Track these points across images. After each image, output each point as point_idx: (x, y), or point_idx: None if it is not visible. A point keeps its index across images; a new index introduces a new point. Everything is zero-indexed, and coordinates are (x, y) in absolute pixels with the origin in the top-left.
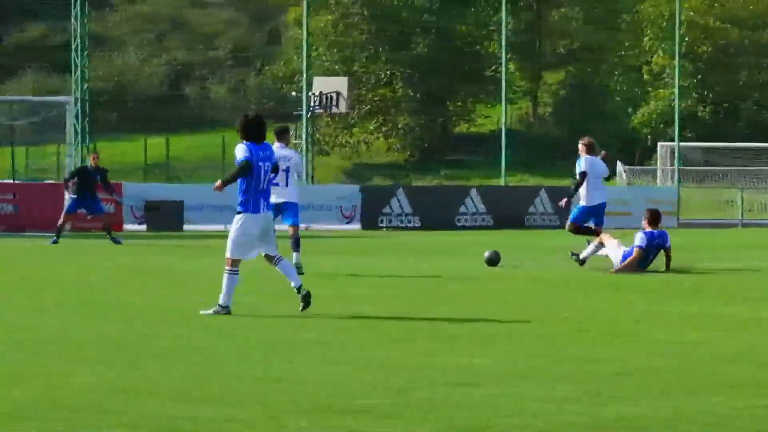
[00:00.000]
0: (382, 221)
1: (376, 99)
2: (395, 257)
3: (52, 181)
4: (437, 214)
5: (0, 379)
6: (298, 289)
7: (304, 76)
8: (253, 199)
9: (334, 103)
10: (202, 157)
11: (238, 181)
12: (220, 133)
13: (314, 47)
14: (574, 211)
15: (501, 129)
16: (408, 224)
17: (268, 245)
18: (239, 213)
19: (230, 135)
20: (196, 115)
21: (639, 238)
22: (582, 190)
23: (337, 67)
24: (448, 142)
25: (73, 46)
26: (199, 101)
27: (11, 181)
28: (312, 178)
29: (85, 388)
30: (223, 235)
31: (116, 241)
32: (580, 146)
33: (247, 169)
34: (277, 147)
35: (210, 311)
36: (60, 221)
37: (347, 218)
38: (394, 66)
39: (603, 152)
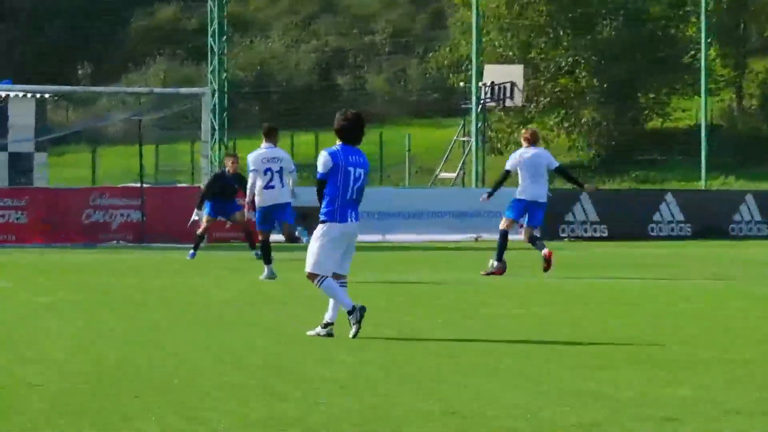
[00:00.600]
0: (563, 230)
1: (556, 90)
2: (580, 271)
3: (185, 185)
4: (627, 222)
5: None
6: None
7: (474, 64)
8: (340, 209)
9: (507, 94)
10: None
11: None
12: (377, 128)
13: (485, 31)
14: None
15: (700, 124)
16: (593, 234)
17: (343, 261)
18: (322, 222)
19: (389, 131)
20: (349, 108)
21: None
22: (522, 184)
23: (511, 53)
24: (639, 139)
25: (210, 31)
26: (354, 93)
27: (138, 184)
28: (483, 180)
29: (251, 418)
30: (380, 247)
31: (258, 256)
32: (522, 139)
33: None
34: (264, 147)
35: (313, 332)
36: (200, 230)
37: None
38: (577, 52)
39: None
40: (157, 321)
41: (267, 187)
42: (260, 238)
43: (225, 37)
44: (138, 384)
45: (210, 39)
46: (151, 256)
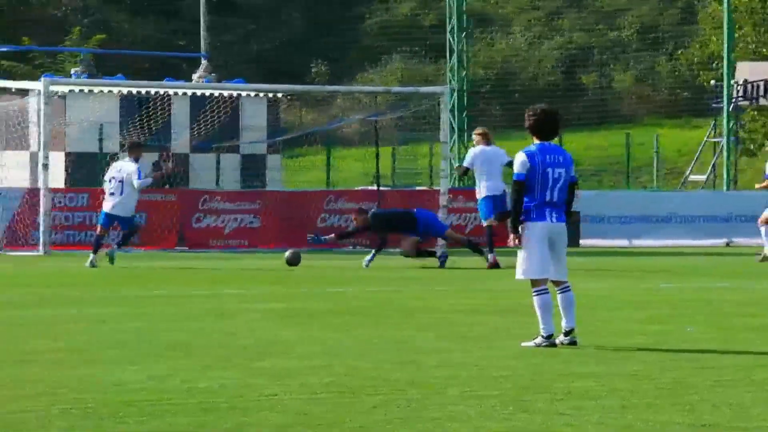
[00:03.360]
0: None
1: None
2: None
3: (424, 188)
4: None
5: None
6: (568, 332)
7: (726, 61)
8: (537, 209)
9: (761, 93)
10: (603, 158)
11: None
12: (624, 129)
13: (737, 26)
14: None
15: None
16: None
17: (556, 265)
18: (522, 223)
19: (636, 131)
20: (595, 108)
21: None
22: (482, 183)
23: (765, 50)
24: None
25: (449, 27)
26: (599, 91)
27: (375, 187)
28: (735, 182)
29: (491, 429)
30: (626, 252)
31: (442, 261)
32: (474, 137)
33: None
34: (124, 160)
35: (531, 343)
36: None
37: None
38: None
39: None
40: (393, 330)
41: (110, 193)
42: (97, 231)
43: (465, 33)
44: (376, 395)
45: (449, 35)
46: (387, 263)
